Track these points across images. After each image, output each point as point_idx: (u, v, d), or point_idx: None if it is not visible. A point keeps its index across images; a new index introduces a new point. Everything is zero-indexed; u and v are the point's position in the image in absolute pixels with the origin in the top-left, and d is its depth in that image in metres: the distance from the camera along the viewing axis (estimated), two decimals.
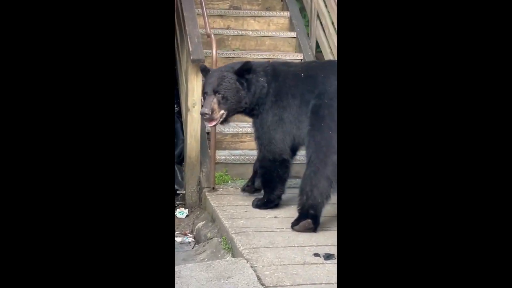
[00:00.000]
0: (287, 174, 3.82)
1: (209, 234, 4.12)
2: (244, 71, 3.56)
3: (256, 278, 2.97)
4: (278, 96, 3.63)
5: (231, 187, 4.60)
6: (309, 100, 3.50)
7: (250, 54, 5.26)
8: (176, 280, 3.02)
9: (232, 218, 4.06)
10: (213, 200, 4.25)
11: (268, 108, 3.65)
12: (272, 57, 5.24)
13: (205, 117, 3.53)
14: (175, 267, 3.08)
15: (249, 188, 4.16)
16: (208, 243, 4.06)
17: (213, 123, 3.60)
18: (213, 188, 4.39)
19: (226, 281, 3.00)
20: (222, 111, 3.49)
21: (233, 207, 4.13)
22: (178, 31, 4.79)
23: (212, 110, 3.45)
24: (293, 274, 2.98)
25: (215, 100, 3.46)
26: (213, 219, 4.23)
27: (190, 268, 3.30)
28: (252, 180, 4.15)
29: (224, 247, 3.74)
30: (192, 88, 4.52)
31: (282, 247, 3.33)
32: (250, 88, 3.61)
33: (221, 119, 3.54)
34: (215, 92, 3.47)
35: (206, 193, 4.41)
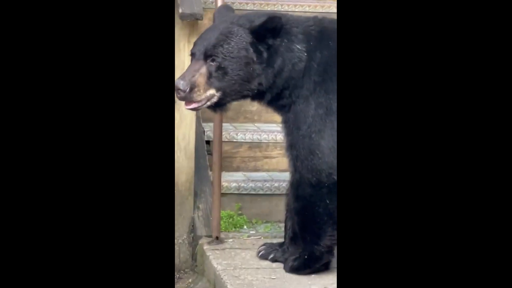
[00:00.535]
0: None
1: (191, 280, 3.55)
2: (268, 30, 2.66)
3: None
4: (325, 75, 2.78)
5: (248, 236, 3.49)
6: None
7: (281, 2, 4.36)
8: None
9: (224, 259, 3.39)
10: (217, 259, 3.25)
11: (308, 94, 2.80)
12: (321, 10, 4.19)
13: (179, 94, 2.58)
14: None
15: (280, 254, 3.05)
16: None
17: (192, 106, 2.65)
18: (217, 238, 3.36)
19: None
20: (212, 90, 2.56)
21: (252, 272, 3.08)
22: None
23: (194, 85, 2.53)
24: None
25: (204, 69, 2.56)
26: (202, 261, 3.47)
27: None
28: (286, 232, 3.13)
29: None
30: (181, 63, 3.33)
31: None
32: (273, 61, 2.72)
33: (208, 102, 2.61)
34: (207, 56, 2.57)
35: (205, 247, 3.36)
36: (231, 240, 3.44)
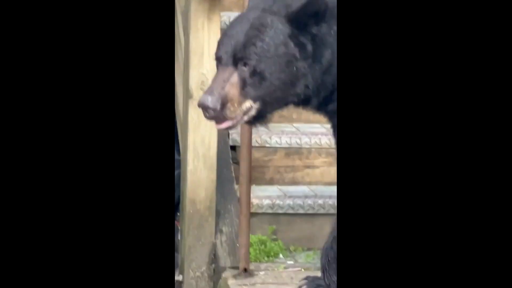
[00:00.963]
0: None
1: None
2: (310, 16, 2.16)
3: None
4: None
5: (285, 268, 2.98)
6: None
7: None
8: None
9: None
10: None
11: None
12: None
13: (208, 114, 2.06)
14: None
15: None
16: None
17: (225, 125, 2.09)
18: (245, 271, 2.84)
19: None
20: (248, 102, 2.05)
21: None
22: None
23: (225, 99, 2.01)
24: None
25: (235, 77, 2.03)
26: None
27: None
28: None
29: None
30: (200, 47, 2.87)
31: None
32: (321, 54, 2.23)
33: (245, 117, 2.08)
34: (238, 59, 2.03)
35: (230, 282, 2.89)
36: (263, 272, 2.91)
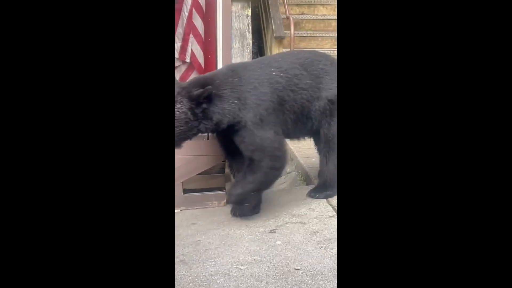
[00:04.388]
0: None
1: (288, 169, 4.44)
2: (204, 98, 3.05)
3: (324, 200, 3.45)
4: (255, 105, 3.26)
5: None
6: None
7: (320, 34, 5.91)
8: (263, 203, 3.45)
9: (306, 157, 4.49)
10: (293, 145, 4.50)
11: (247, 121, 3.23)
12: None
13: None
14: (263, 193, 3.37)
15: None
16: (287, 176, 4.48)
17: None
18: None
19: (302, 202, 3.53)
20: None
21: (307, 149, 4.43)
22: (264, 15, 5.46)
23: None
24: None
25: None
26: (291, 158, 4.49)
27: (274, 193, 3.89)
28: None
29: (300, 179, 4.21)
30: None
31: None
32: (211, 117, 3.15)
33: None
34: None
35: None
36: None
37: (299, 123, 3.39)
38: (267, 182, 3.28)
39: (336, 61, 3.46)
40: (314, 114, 3.37)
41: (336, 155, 3.34)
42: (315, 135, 3.49)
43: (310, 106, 3.34)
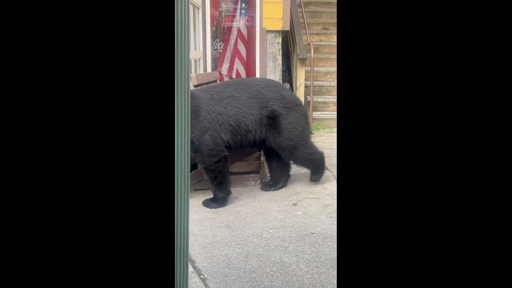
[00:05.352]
0: None
1: None
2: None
3: (335, 181, 3.49)
4: (207, 113, 3.18)
5: (322, 133, 5.02)
6: None
7: (334, 56, 5.81)
8: (283, 183, 3.40)
9: (322, 148, 4.30)
10: (312, 138, 4.48)
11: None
12: None
13: None
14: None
15: None
16: None
17: None
18: (312, 133, 4.63)
19: (318, 182, 3.53)
20: None
21: (326, 142, 4.56)
22: (291, 42, 5.42)
23: None
24: None
25: None
26: None
27: (297, 176, 3.82)
28: None
29: None
30: (298, 75, 4.91)
31: None
32: (192, 131, 3.00)
33: None
34: None
35: None
36: (315, 133, 4.93)
37: (239, 135, 3.20)
38: (216, 171, 3.12)
39: (271, 84, 3.39)
40: (253, 127, 3.19)
41: (280, 160, 3.30)
42: (261, 145, 3.33)
43: (246, 121, 3.17)
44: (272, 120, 3.21)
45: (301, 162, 3.38)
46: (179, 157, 1.24)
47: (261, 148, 3.43)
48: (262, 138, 3.25)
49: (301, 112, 3.35)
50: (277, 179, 3.47)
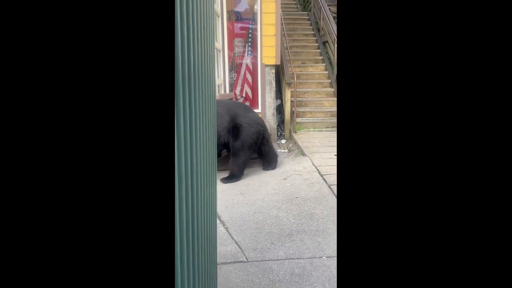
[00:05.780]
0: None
1: (293, 148, 4.16)
2: None
3: (311, 163, 3.38)
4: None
5: (302, 132, 4.63)
6: None
7: (310, 81, 5.59)
8: (278, 164, 3.37)
9: (302, 142, 4.25)
10: (296, 135, 4.35)
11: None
12: (319, 83, 5.18)
13: None
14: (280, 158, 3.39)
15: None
16: (293, 152, 4.12)
17: None
18: (295, 132, 4.45)
19: (299, 164, 3.44)
20: None
21: (305, 138, 4.29)
22: (281, 71, 5.19)
23: None
24: (326, 162, 3.32)
25: None
26: (295, 142, 4.21)
27: (286, 160, 3.86)
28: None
29: (299, 153, 3.88)
30: (286, 94, 4.60)
31: (322, 152, 3.57)
32: None
33: None
34: None
35: (293, 133, 4.41)
36: (298, 132, 4.27)
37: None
38: None
39: (242, 106, 3.23)
40: (221, 133, 3.08)
41: (238, 159, 3.13)
42: (226, 146, 3.21)
43: (219, 129, 3.06)
44: (235, 130, 3.17)
45: (235, 161, 3.19)
46: (205, 148, 1.00)
47: (226, 148, 3.30)
48: (227, 142, 3.19)
49: (258, 129, 3.24)
50: (270, 162, 3.45)
